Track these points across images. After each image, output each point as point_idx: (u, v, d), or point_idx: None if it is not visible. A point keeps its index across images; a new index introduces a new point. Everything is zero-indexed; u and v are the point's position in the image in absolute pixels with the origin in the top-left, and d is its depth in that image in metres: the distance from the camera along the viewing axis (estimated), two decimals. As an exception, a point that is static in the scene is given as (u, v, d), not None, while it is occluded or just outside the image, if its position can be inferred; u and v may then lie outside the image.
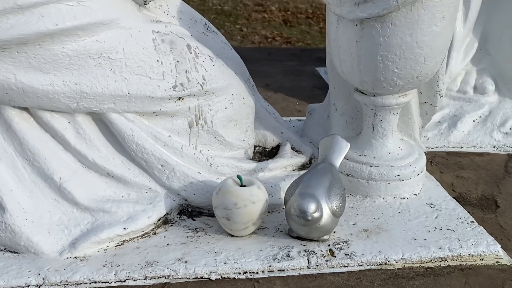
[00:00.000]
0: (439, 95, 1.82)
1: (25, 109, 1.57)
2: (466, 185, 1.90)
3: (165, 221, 1.59)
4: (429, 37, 1.57)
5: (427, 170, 1.88)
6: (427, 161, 1.93)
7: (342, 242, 1.53)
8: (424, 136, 2.12)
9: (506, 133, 2.13)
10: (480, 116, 2.18)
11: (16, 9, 1.48)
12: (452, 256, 1.49)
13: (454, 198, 1.76)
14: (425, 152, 1.95)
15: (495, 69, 2.29)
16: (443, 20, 1.54)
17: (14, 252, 1.44)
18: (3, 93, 1.51)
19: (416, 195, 1.75)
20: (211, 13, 4.70)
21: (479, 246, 1.51)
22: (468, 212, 1.68)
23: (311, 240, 1.51)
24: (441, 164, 2.03)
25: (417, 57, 1.57)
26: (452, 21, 1.66)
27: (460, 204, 1.73)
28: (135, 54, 1.58)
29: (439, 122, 2.18)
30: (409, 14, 1.49)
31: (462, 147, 2.11)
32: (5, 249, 1.46)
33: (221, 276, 1.40)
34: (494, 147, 2.11)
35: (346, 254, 1.47)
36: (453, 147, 2.11)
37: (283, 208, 1.58)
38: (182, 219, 1.62)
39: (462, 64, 2.28)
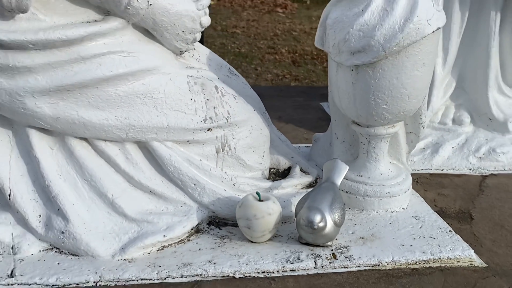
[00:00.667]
0: (422, 126, 1.88)
1: (84, 139, 1.66)
2: (446, 201, 1.95)
3: (197, 230, 1.66)
4: (412, 80, 1.65)
5: (413, 188, 1.94)
6: (413, 180, 1.98)
7: (342, 247, 1.60)
8: (411, 160, 2.15)
9: (480, 157, 2.17)
10: (458, 144, 2.22)
11: (79, 60, 1.59)
12: (434, 259, 1.57)
13: (435, 211, 1.83)
14: (411, 174, 2.00)
15: (470, 105, 2.33)
16: (423, 66, 1.64)
17: (75, 255, 1.53)
18: (67, 126, 1.60)
19: (404, 209, 1.81)
20: (230, 55, 4.74)
21: (456, 251, 1.59)
22: (447, 223, 1.75)
23: (317, 246, 1.59)
24: (425, 184, 2.07)
25: (402, 96, 1.65)
26: (431, 66, 1.74)
27: (440, 216, 1.80)
28: (173, 94, 1.67)
29: (423, 148, 2.22)
30: (395, 61, 1.59)
31: (443, 170, 2.15)
32: (68, 253, 1.54)
33: (244, 275, 1.48)
34: (470, 169, 2.14)
35: (346, 257, 1.56)
36: (435, 170, 2.16)
37: (294, 219, 1.64)
38: (210, 229, 1.69)
39: (442, 100, 2.33)
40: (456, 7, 2.22)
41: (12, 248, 1.54)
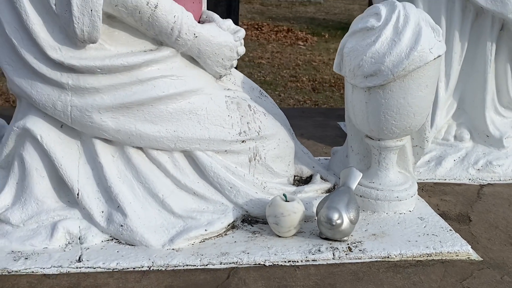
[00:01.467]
0: (426, 140, 1.91)
1: (140, 148, 1.73)
2: (447, 206, 1.97)
3: (232, 226, 1.72)
4: (417, 100, 1.69)
5: (419, 194, 1.95)
6: (419, 188, 2.00)
7: (357, 242, 1.66)
8: (417, 171, 2.14)
9: (478, 169, 2.17)
10: (459, 157, 2.22)
11: (137, 82, 1.67)
12: (435, 253, 1.62)
13: (438, 214, 1.86)
14: (417, 182, 2.01)
15: (470, 123, 2.32)
16: (426, 88, 1.70)
17: (132, 245, 1.60)
18: (127, 137, 1.67)
19: (410, 211, 1.85)
20: (257, 83, 4.83)
21: (455, 246, 1.64)
22: (448, 224, 1.79)
23: (335, 240, 1.65)
24: (429, 191, 2.08)
25: (408, 113, 1.70)
26: (433, 88, 1.78)
27: (442, 218, 1.83)
28: (213, 111, 1.74)
29: (428, 161, 2.21)
30: (402, 84, 1.65)
31: (445, 179, 2.15)
32: (125, 243, 1.62)
33: (273, 263, 1.54)
34: (469, 179, 2.14)
35: (360, 250, 1.61)
36: (439, 179, 2.15)
37: (315, 218, 1.69)
38: (244, 225, 1.75)
39: (445, 119, 2.31)
40: (456, 38, 2.22)
41: (79, 238, 1.61)
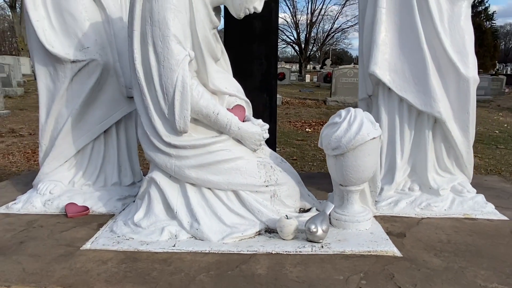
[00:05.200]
0: (378, 187, 2.07)
1: (209, 188, 1.90)
2: (393, 228, 2.04)
3: (258, 233, 1.90)
4: (363, 162, 1.88)
5: (377, 221, 2.07)
6: (380, 218, 2.12)
7: (327, 243, 1.83)
8: (381, 208, 2.22)
9: (422, 208, 2.22)
10: (410, 201, 2.28)
11: (208, 153, 1.88)
12: (373, 250, 1.77)
13: (385, 232, 1.97)
14: (379, 215, 2.16)
15: (419, 180, 2.37)
16: (369, 155, 1.87)
17: (201, 240, 1.83)
18: (202, 182, 1.89)
19: (366, 229, 1.97)
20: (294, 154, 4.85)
21: (386, 247, 1.80)
22: (389, 237, 1.90)
23: (314, 242, 1.82)
24: (385, 220, 2.13)
25: (359, 170, 1.89)
26: (375, 156, 1.90)
27: (387, 234, 1.94)
28: (250, 169, 1.93)
29: (390, 202, 2.26)
30: (353, 153, 1.85)
31: (399, 214, 2.20)
32: (198, 239, 1.83)
33: (276, 252, 1.73)
34: (415, 214, 2.19)
35: (328, 247, 1.79)
36: (395, 214, 2.21)
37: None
38: (265, 233, 1.91)
39: (402, 177, 2.38)
40: (406, 128, 2.31)
41: (175, 236, 1.86)
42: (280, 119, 8.44)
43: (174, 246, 1.80)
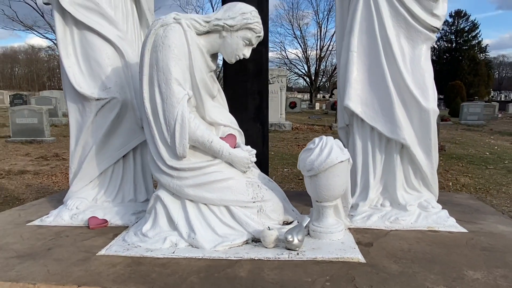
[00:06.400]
0: (349, 203, 2.09)
1: (205, 204, 1.95)
2: (364, 239, 2.05)
3: (246, 242, 1.93)
4: (333, 182, 1.89)
5: (350, 233, 2.08)
6: (353, 230, 2.13)
7: (302, 251, 1.87)
8: (356, 221, 2.24)
9: (391, 222, 2.25)
10: (381, 215, 2.30)
11: (204, 174, 1.93)
12: (341, 257, 1.80)
13: (356, 242, 1.98)
14: (353, 227, 2.16)
15: (390, 197, 2.39)
16: (338, 176, 1.89)
17: (196, 247, 1.87)
18: (199, 199, 1.94)
19: (338, 239, 2.00)
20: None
21: (352, 254, 1.83)
22: (358, 247, 1.92)
23: (291, 250, 1.87)
24: (358, 232, 2.15)
25: (330, 189, 1.93)
26: (344, 176, 1.93)
27: (357, 244, 1.96)
28: (239, 187, 1.98)
29: (364, 216, 2.28)
30: (324, 174, 1.90)
31: (370, 227, 2.22)
32: (194, 246, 1.87)
33: (258, 258, 1.77)
34: (385, 227, 2.21)
35: (302, 254, 1.83)
36: (367, 227, 2.22)
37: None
38: (252, 242, 1.95)
39: (375, 195, 2.41)
40: (377, 153, 2.37)
41: (175, 244, 1.90)
42: (289, 143, 8.71)
43: (173, 252, 1.86)
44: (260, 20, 2.10)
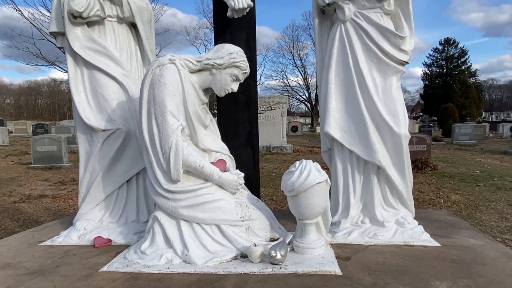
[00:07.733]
0: (329, 220, 2.13)
1: (198, 223, 2.00)
2: (343, 253, 2.08)
3: (235, 258, 1.97)
4: (313, 201, 1.94)
5: (332, 248, 2.10)
6: (334, 245, 2.15)
7: (285, 265, 1.90)
8: (337, 237, 2.25)
9: (370, 237, 2.27)
10: (361, 232, 2.32)
11: (196, 196, 2.00)
12: (320, 270, 1.84)
13: (335, 257, 2.00)
14: (334, 243, 2.18)
15: (370, 215, 2.42)
16: (317, 196, 1.96)
17: (189, 263, 1.91)
18: (192, 219, 1.98)
19: (319, 254, 2.02)
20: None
21: (330, 267, 1.85)
22: (337, 261, 1.94)
23: (275, 264, 1.90)
24: (339, 247, 2.17)
25: (309, 207, 1.95)
26: (322, 196, 1.96)
27: (336, 258, 1.98)
28: (229, 207, 2.04)
29: (345, 233, 2.29)
30: (304, 194, 1.95)
31: (351, 242, 2.23)
32: (187, 262, 1.92)
33: (244, 272, 1.80)
34: (364, 242, 2.23)
35: (285, 268, 1.86)
36: (348, 242, 2.23)
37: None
38: (240, 258, 1.98)
39: (356, 213, 2.44)
40: (357, 175, 2.42)
41: (171, 260, 1.94)
42: (290, 164, 8.28)
43: (168, 268, 1.90)
44: (245, 59, 2.22)
